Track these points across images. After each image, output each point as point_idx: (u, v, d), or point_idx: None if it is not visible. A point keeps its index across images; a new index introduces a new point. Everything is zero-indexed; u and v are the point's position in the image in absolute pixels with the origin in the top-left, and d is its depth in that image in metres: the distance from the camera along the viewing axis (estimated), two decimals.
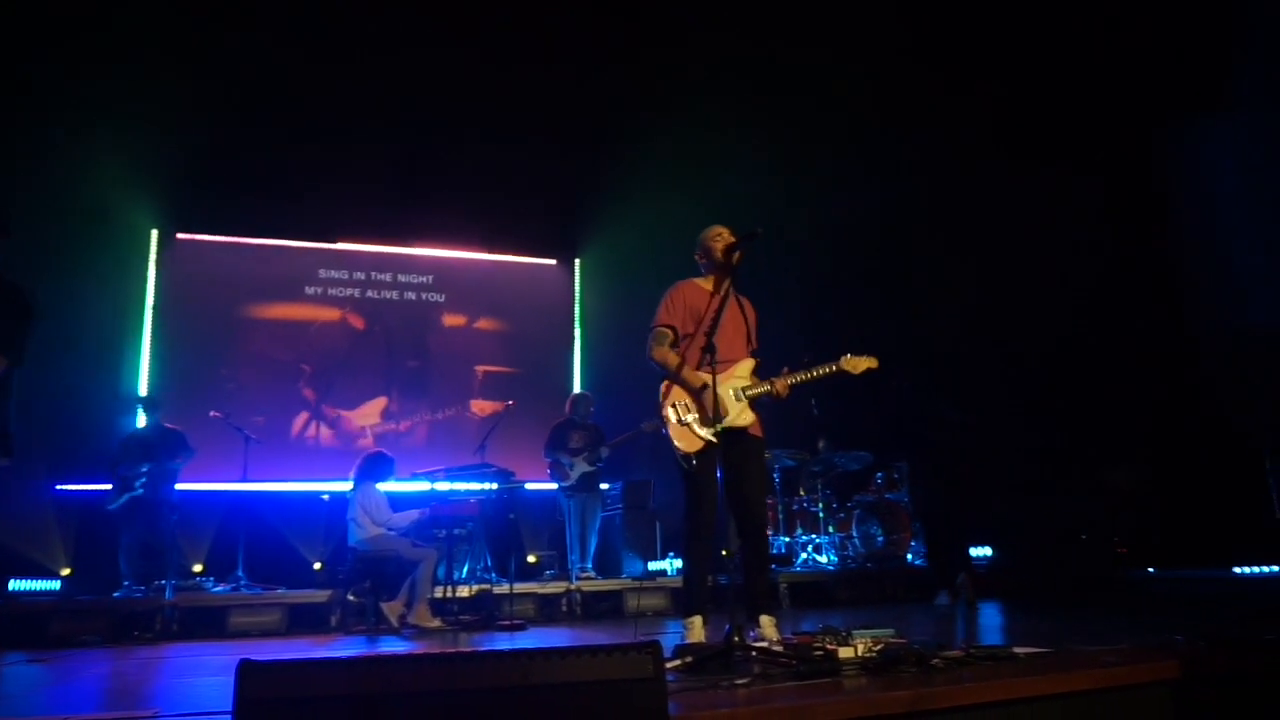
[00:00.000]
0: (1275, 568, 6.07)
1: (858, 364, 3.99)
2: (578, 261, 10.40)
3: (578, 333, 10.23)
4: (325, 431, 9.13)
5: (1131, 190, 8.60)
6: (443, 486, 6.92)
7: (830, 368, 3.96)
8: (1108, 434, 8.37)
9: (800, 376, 3.95)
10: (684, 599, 4.01)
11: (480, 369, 9.69)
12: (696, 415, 3.90)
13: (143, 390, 8.49)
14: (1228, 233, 7.88)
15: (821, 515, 8.32)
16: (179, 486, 7.24)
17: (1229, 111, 7.74)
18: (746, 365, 4.04)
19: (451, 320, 9.77)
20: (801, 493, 8.63)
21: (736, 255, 4.01)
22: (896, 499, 8.19)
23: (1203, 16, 7.63)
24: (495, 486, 6.94)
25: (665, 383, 4.02)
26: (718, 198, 8.77)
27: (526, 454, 8.39)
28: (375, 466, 6.57)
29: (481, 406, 9.56)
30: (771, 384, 3.95)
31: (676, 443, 3.88)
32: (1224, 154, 7.92)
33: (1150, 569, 7.49)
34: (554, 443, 7.87)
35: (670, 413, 3.94)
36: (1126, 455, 8.22)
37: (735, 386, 3.96)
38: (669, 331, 4.08)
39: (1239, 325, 7.62)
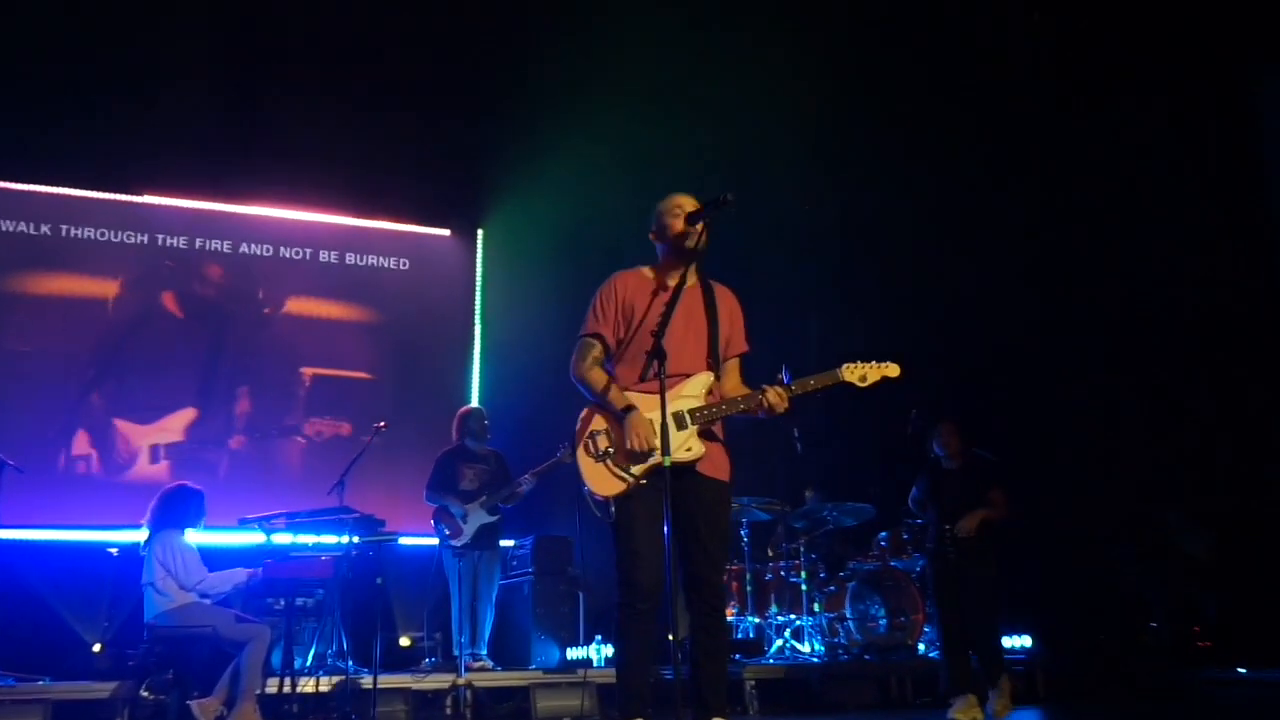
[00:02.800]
0: None
1: (866, 373, 4.02)
2: (480, 232, 10.43)
3: (478, 329, 10.25)
4: (107, 457, 8.99)
5: (1215, 163, 8.81)
6: (283, 539, 6.78)
7: (827, 379, 4.02)
8: (1186, 487, 8.54)
9: (802, 386, 3.99)
10: (617, 699, 3.98)
11: (337, 373, 9.68)
12: (618, 449, 3.96)
13: None
14: None
15: (805, 588, 8.31)
16: None
17: None
18: (699, 381, 4.09)
19: (298, 306, 9.76)
20: (775, 557, 8.66)
21: (699, 231, 4.04)
22: (906, 568, 8.27)
23: None
24: (356, 540, 6.78)
25: (586, 409, 4.12)
26: (669, 149, 8.84)
27: (402, 494, 8.38)
28: (178, 507, 6.38)
29: (333, 426, 9.52)
30: (762, 393, 3.97)
31: (589, 485, 3.97)
32: None
33: (1240, 669, 7.65)
34: (438, 482, 7.81)
35: (584, 446, 4.02)
36: (1209, 516, 8.40)
37: (681, 409, 3.98)
38: (595, 343, 4.18)
39: None
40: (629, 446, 3.89)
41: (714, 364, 4.14)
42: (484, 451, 7.96)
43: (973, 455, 6.85)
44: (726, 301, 4.28)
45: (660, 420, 3.77)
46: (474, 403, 9.63)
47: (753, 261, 9.01)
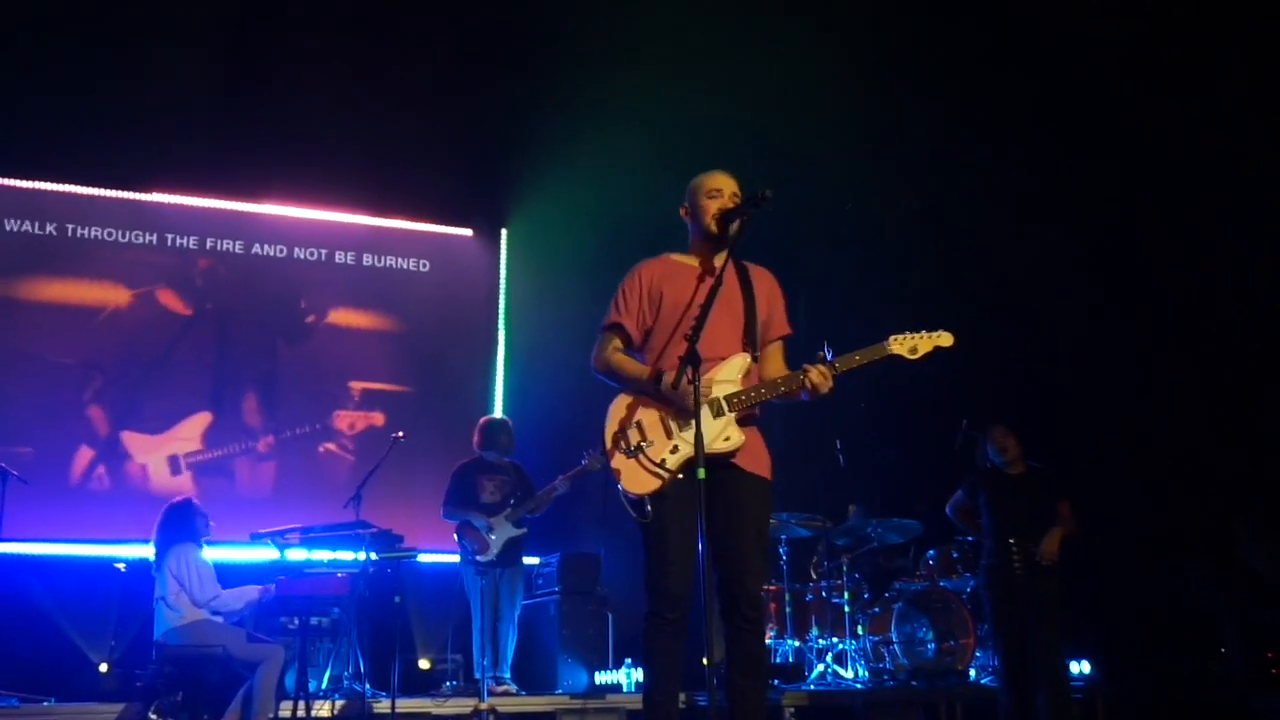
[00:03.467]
0: None
1: (916, 344, 3.95)
2: (504, 232, 10.48)
3: (502, 335, 10.31)
4: (121, 469, 9.09)
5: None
6: (296, 555, 6.89)
7: (874, 354, 3.94)
8: (1259, 499, 8.45)
9: (846, 363, 3.90)
10: None
11: (357, 386, 9.79)
12: (654, 440, 3.90)
13: None
14: None
15: (847, 610, 8.20)
16: None
17: None
18: (735, 364, 3.99)
19: (316, 312, 9.86)
20: (818, 577, 8.58)
21: (735, 226, 4.01)
22: (956, 588, 8.19)
23: None
24: (374, 556, 6.91)
25: (614, 402, 4.06)
26: (709, 140, 8.80)
27: (422, 508, 8.48)
28: (191, 521, 6.51)
29: (365, 418, 9.66)
30: (804, 373, 3.88)
31: (623, 484, 3.88)
32: None
33: None
34: (457, 496, 7.83)
35: (615, 443, 3.94)
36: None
37: (716, 395, 3.90)
38: (613, 336, 4.16)
39: None
40: (680, 398, 3.80)
41: (750, 345, 4.05)
42: (503, 463, 7.99)
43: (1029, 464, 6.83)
44: (764, 282, 4.21)
45: (699, 412, 3.64)
46: (498, 411, 9.76)
47: (796, 252, 8.98)
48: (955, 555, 8.27)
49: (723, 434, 3.87)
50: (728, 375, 3.95)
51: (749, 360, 4.01)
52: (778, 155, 8.96)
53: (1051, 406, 8.77)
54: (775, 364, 4.16)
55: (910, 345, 3.93)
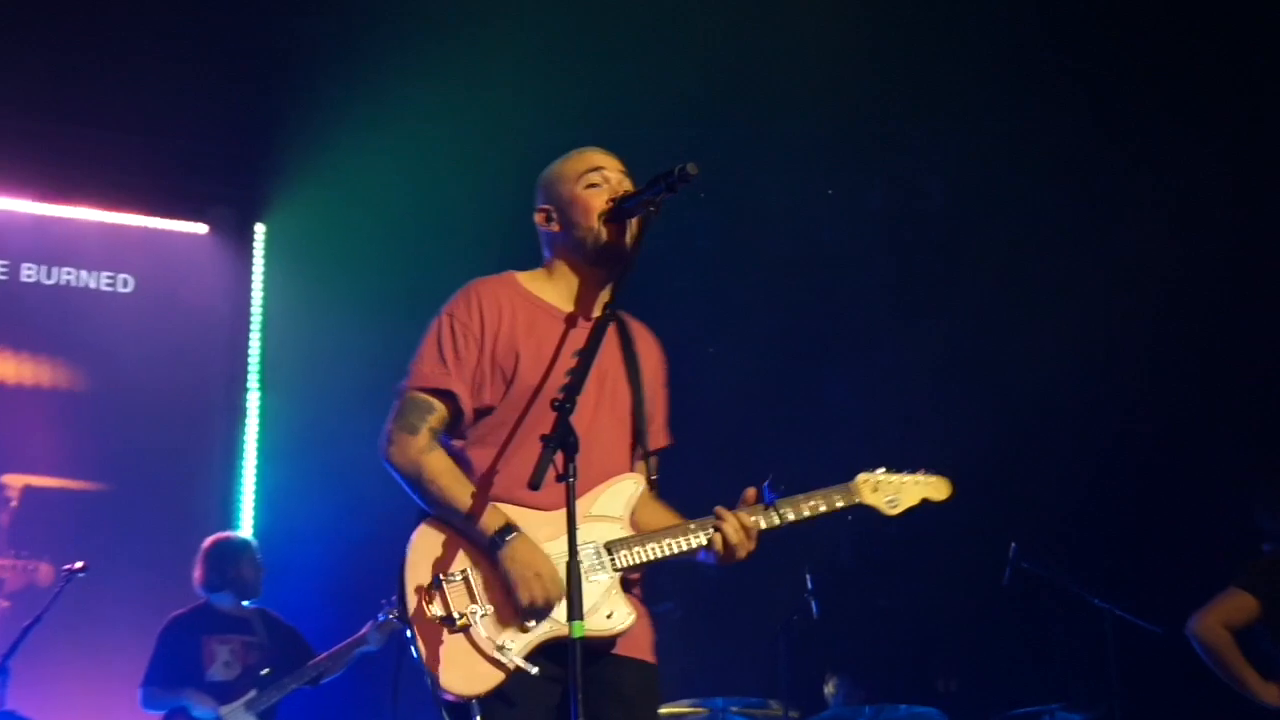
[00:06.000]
0: None
1: (898, 492, 4.17)
2: (261, 228, 10.62)
3: (255, 392, 10.36)
4: None
5: None
6: None
7: (834, 500, 4.08)
8: None
9: (793, 509, 3.97)
10: None
11: (14, 482, 9.87)
12: (492, 606, 3.74)
13: None
14: None
15: None
16: None
17: None
18: (623, 491, 4.01)
19: None
20: None
21: (634, 227, 3.99)
22: None
23: None
24: None
25: (422, 526, 3.90)
26: (561, 106, 9.24)
27: (112, 689, 8.64)
28: None
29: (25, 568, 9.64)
30: (719, 523, 3.86)
31: (437, 675, 3.69)
32: None
33: None
34: (166, 669, 7.92)
35: (421, 601, 3.76)
36: None
37: (595, 539, 3.86)
38: (434, 403, 3.95)
39: None
40: (520, 601, 3.72)
41: (641, 456, 4.13)
42: (245, 613, 8.06)
43: None
44: (651, 355, 4.26)
45: (569, 559, 3.53)
46: (245, 522, 9.89)
47: (690, 294, 9.01)
48: None
49: (605, 605, 3.84)
50: (610, 507, 3.98)
51: (641, 485, 4.04)
52: (659, 129, 9.24)
53: (1133, 520, 8.88)
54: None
55: (888, 493, 4.20)
